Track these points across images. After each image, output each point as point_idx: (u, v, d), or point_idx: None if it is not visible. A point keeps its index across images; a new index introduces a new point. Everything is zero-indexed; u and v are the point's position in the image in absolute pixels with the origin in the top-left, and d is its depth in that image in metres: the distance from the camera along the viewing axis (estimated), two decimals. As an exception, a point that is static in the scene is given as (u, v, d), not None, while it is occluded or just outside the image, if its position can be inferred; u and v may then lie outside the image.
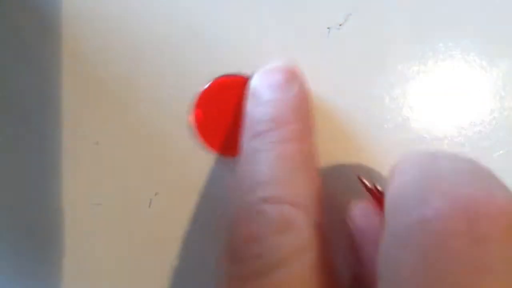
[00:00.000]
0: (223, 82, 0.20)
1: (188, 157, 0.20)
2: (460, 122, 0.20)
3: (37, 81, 0.20)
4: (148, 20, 0.20)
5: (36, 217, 0.21)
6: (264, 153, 0.17)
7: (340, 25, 0.20)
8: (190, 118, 0.20)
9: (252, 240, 0.15)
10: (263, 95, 0.18)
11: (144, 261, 0.21)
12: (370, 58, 0.20)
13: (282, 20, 0.20)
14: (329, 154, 0.20)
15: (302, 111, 0.18)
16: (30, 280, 0.21)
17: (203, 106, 0.20)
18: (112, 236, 0.21)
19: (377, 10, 0.20)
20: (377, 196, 0.18)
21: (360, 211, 0.18)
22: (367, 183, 0.18)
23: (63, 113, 0.20)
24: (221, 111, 0.20)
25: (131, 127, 0.20)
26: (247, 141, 0.18)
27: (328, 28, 0.20)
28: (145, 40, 0.20)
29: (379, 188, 0.18)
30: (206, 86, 0.20)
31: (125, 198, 0.21)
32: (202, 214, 0.20)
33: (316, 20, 0.20)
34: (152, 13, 0.20)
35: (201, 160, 0.20)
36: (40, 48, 0.20)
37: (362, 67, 0.20)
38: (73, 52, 0.20)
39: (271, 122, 0.17)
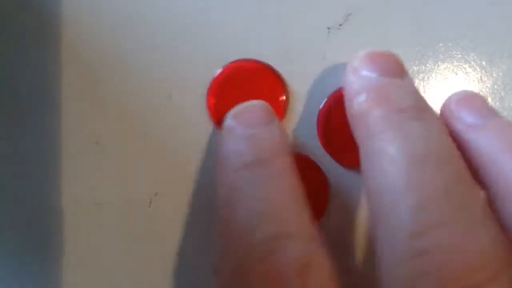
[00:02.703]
0: (235, 67, 0.20)
1: (188, 157, 0.20)
2: (460, 122, 0.20)
3: (37, 81, 0.20)
4: (149, 18, 0.20)
5: (36, 217, 0.21)
6: (260, 186, 0.15)
7: (340, 25, 0.20)
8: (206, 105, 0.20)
9: (273, 286, 0.13)
10: (244, 130, 0.17)
11: (144, 261, 0.21)
12: (370, 58, 0.20)
13: (282, 20, 0.20)
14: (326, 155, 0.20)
15: (287, 145, 0.17)
16: (30, 280, 0.21)
17: (216, 93, 0.20)
18: (112, 236, 0.21)
19: (377, 10, 0.20)
20: None
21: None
22: None
23: (63, 113, 0.20)
24: (235, 96, 0.20)
25: (131, 127, 0.20)
26: (231, 175, 0.16)
27: (328, 28, 0.20)
28: (146, 39, 0.20)
29: None
30: (212, 78, 0.20)
31: (125, 198, 0.21)
32: (202, 214, 0.20)
33: (316, 20, 0.20)
34: (154, 8, 0.20)
35: (201, 160, 0.20)
36: (40, 48, 0.20)
37: (362, 67, 0.20)
38: (73, 51, 0.20)
39: (262, 153, 0.16)
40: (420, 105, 0.16)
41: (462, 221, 0.13)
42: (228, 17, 0.20)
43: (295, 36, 0.20)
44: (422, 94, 0.20)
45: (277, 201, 0.15)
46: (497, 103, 0.20)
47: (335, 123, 0.20)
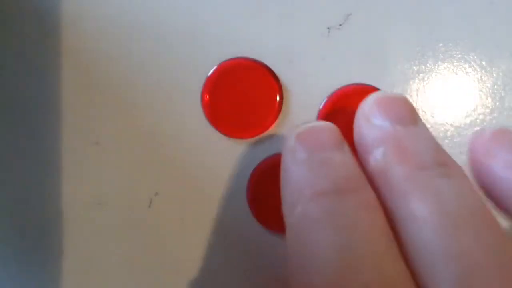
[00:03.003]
0: (228, 65, 0.20)
1: (188, 157, 0.20)
2: (460, 122, 0.20)
3: (37, 81, 0.20)
4: (148, 18, 0.20)
5: (36, 217, 0.21)
6: (345, 220, 0.13)
7: (340, 25, 0.20)
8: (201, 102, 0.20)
9: None
10: (314, 154, 0.15)
11: (144, 261, 0.21)
12: (370, 58, 0.20)
13: (283, 20, 0.20)
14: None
15: (363, 173, 0.15)
16: (30, 280, 0.21)
17: (210, 90, 0.20)
18: (112, 236, 0.21)
19: (377, 10, 0.20)
20: None
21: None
22: None
23: (63, 113, 0.20)
24: (229, 94, 0.20)
25: (131, 127, 0.20)
26: (304, 205, 0.14)
27: (328, 28, 0.20)
28: (146, 39, 0.20)
29: None
30: (210, 73, 0.20)
31: (125, 198, 0.21)
32: (202, 214, 0.20)
33: (316, 20, 0.20)
34: (152, 8, 0.20)
35: (201, 160, 0.20)
36: (40, 48, 0.20)
37: (362, 67, 0.20)
38: (73, 51, 0.20)
39: (341, 181, 0.14)
40: (442, 159, 0.14)
41: (507, 279, 0.12)
42: (229, 17, 0.20)
43: (295, 36, 0.20)
44: (422, 94, 0.20)
45: (370, 240, 0.13)
46: (497, 103, 0.20)
47: (335, 123, 0.20)
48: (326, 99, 0.20)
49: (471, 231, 0.13)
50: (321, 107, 0.20)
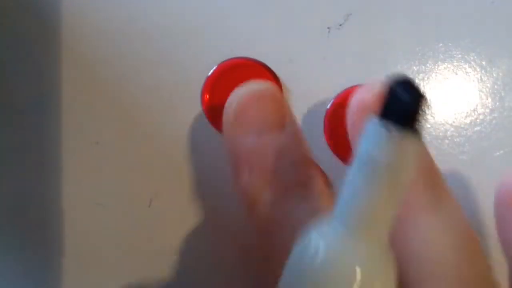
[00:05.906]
0: (228, 65, 0.20)
1: (188, 157, 0.20)
2: (460, 122, 0.20)
3: (37, 81, 0.20)
4: (149, 18, 0.20)
5: (36, 217, 0.21)
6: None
7: (340, 25, 0.20)
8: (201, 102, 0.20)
9: None
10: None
11: (144, 261, 0.21)
12: (370, 58, 0.20)
13: (283, 20, 0.20)
14: (328, 155, 0.20)
15: None
16: (30, 280, 0.21)
17: (210, 89, 0.20)
18: (112, 236, 0.21)
19: (377, 10, 0.20)
20: None
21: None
22: None
23: (63, 113, 0.20)
24: (229, 93, 0.20)
25: (131, 127, 0.20)
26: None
27: (328, 28, 0.20)
28: (146, 39, 0.20)
29: None
30: (210, 73, 0.20)
31: (125, 198, 0.21)
32: (202, 214, 0.21)
33: (316, 20, 0.20)
34: (152, 8, 0.20)
35: (201, 160, 0.20)
36: (40, 48, 0.20)
37: (362, 67, 0.20)
38: (73, 51, 0.20)
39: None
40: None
41: None
42: (229, 17, 0.20)
43: (295, 36, 0.20)
44: (422, 94, 0.20)
45: None
46: (497, 103, 0.20)
47: (342, 124, 0.20)
48: (332, 99, 0.20)
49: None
50: (328, 107, 0.20)
